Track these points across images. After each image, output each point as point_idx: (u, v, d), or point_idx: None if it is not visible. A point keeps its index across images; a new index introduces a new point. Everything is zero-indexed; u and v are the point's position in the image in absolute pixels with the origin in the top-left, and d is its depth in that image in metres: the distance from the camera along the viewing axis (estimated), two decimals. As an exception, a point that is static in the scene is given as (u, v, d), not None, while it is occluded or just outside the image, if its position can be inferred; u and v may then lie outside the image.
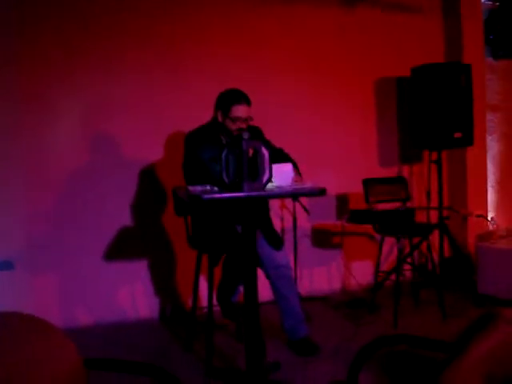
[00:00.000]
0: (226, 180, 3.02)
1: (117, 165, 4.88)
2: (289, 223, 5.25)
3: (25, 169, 4.60)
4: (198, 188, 3.14)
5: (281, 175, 3.21)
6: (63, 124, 4.76)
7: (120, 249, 4.89)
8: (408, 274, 5.51)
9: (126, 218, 4.92)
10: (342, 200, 5.69)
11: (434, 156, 5.41)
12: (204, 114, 4.00)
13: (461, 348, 1.55)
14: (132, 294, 4.98)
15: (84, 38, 4.75)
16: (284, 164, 3.34)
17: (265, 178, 3.01)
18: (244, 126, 3.74)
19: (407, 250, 5.25)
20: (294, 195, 3.61)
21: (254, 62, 5.25)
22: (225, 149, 3.05)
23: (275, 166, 3.09)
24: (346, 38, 5.71)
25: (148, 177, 4.97)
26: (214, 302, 3.98)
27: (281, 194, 3.42)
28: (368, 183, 5.09)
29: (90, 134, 4.82)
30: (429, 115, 5.31)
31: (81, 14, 4.73)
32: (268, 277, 3.90)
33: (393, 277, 4.96)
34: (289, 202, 5.19)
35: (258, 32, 5.32)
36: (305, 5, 5.49)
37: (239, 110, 3.72)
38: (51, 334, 1.83)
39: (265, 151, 3.01)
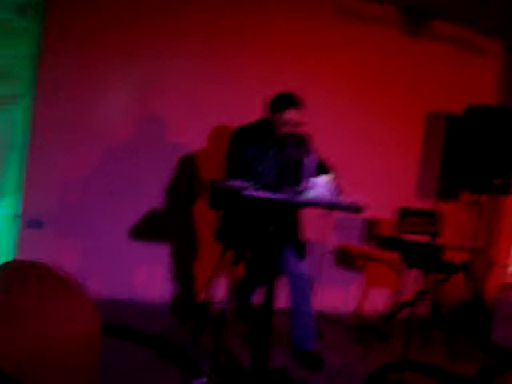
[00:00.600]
0: (266, 180, 3.04)
1: (160, 146, 4.93)
2: (314, 237, 5.23)
3: (69, 134, 4.66)
4: (239, 182, 3.15)
5: (319, 186, 3.21)
6: (114, 96, 4.81)
7: (145, 229, 4.92)
8: (422, 309, 5.46)
9: (158, 201, 4.95)
10: (372, 224, 5.66)
11: (472, 198, 5.37)
12: (254, 115, 4.02)
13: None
14: (148, 276, 5.00)
15: (148, 17, 4.81)
16: (325, 176, 3.34)
17: (303, 186, 3.03)
18: (294, 130, 3.74)
19: (427, 286, 5.21)
20: (331, 207, 3.60)
21: (307, 70, 5.27)
22: (272, 149, 3.06)
23: (316, 178, 3.10)
24: (405, 66, 5.71)
25: (187, 164, 5.00)
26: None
27: (318, 204, 3.42)
28: (403, 212, 5.07)
29: (139, 110, 4.87)
30: (476, 157, 5.27)
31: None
32: (289, 283, 3.90)
33: (408, 309, 4.92)
34: (319, 217, 5.18)
35: (319, 41, 5.34)
36: (369, 21, 5.50)
37: (292, 114, 3.72)
38: (77, 294, 1.86)
39: (312, 160, 3.03)
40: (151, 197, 4.93)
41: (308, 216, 5.05)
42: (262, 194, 2.99)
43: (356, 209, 3.08)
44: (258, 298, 4.21)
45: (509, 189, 5.29)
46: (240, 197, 3.32)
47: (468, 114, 5.46)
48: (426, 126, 5.88)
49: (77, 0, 4.62)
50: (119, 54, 4.76)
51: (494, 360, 1.65)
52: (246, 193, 2.93)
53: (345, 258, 5.64)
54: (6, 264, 1.85)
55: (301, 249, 3.93)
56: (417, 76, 5.75)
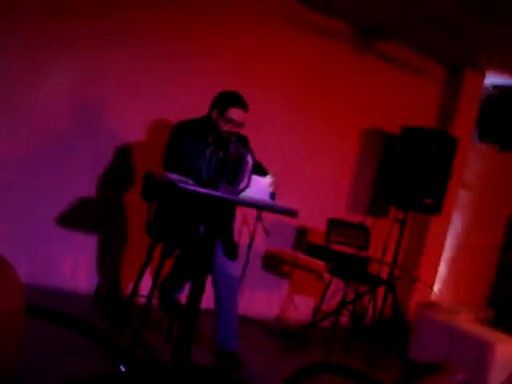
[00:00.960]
0: (204, 175, 3.02)
1: (96, 134, 4.82)
2: (244, 240, 5.23)
3: (7, 116, 4.52)
4: (176, 176, 3.12)
5: (257, 187, 3.21)
6: (54, 81, 4.68)
7: (74, 216, 4.81)
8: (344, 320, 5.54)
9: (89, 188, 4.85)
10: (301, 232, 5.72)
11: (400, 215, 5.48)
12: (196, 113, 3.99)
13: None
14: (74, 264, 4.89)
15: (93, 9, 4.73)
16: (263, 178, 3.34)
17: (242, 185, 3.02)
18: (235, 129, 3.74)
19: (350, 296, 5.29)
20: (266, 209, 3.60)
21: (254, 75, 5.27)
22: (211, 146, 3.05)
23: (254, 177, 3.09)
24: (349, 78, 5.81)
25: (124, 155, 4.93)
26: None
27: (254, 204, 3.41)
28: (332, 222, 5.14)
29: (78, 97, 4.76)
30: (406, 175, 5.40)
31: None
32: (214, 283, 3.88)
33: (330, 319, 4.99)
34: (251, 219, 5.19)
35: (267, 48, 5.37)
36: (319, 33, 5.57)
37: (235, 113, 3.72)
38: (2, 269, 1.79)
39: (250, 160, 3.02)
40: (82, 184, 4.82)
41: (240, 217, 5.08)
42: (199, 189, 2.96)
43: (292, 213, 3.09)
44: (183, 295, 4.18)
45: (439, 209, 5.43)
46: (175, 191, 3.28)
47: (404, 134, 5.59)
48: (363, 141, 5.99)
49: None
50: (59, 42, 4.63)
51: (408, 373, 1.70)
52: (183, 186, 2.89)
53: (273, 264, 5.67)
54: None
55: (233, 249, 3.92)
56: (359, 91, 5.86)
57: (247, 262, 5.11)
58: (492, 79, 6.30)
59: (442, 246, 6.28)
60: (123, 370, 1.62)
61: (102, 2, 4.73)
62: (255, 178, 3.11)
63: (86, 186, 4.84)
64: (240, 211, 4.80)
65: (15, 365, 1.68)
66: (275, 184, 3.48)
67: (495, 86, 6.46)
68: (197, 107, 3.99)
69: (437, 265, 6.28)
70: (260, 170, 3.78)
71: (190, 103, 4.55)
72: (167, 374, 3.31)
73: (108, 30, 4.77)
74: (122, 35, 4.81)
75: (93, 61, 4.75)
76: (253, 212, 4.97)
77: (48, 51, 4.60)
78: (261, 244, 5.43)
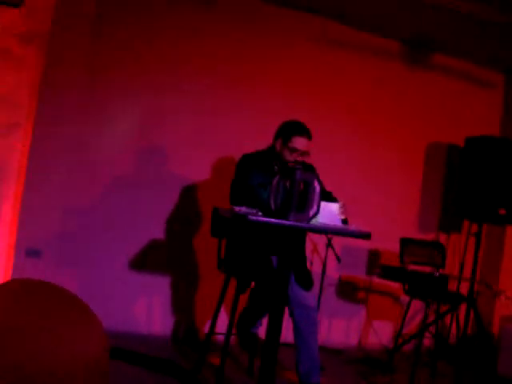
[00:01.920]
0: (273, 206, 2.98)
1: (161, 177, 4.89)
2: (317, 269, 5.15)
3: (70, 162, 4.60)
4: (244, 209, 3.09)
5: (327, 213, 3.15)
6: (116, 128, 4.79)
7: (146, 260, 4.86)
8: (427, 342, 5.37)
9: (158, 231, 4.89)
10: (374, 255, 5.61)
11: (474, 228, 5.31)
12: (256, 145, 3.98)
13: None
14: (149, 308, 4.91)
15: (148, 49, 4.81)
16: (332, 203, 3.30)
17: (312, 212, 2.97)
18: (300, 158, 3.71)
19: (431, 318, 5.13)
20: (339, 233, 3.54)
21: (313, 104, 5.26)
22: (277, 175, 3.01)
23: (323, 204, 3.05)
24: (406, 96, 5.73)
25: (188, 195, 4.96)
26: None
27: (326, 230, 3.36)
28: (405, 243, 5.02)
29: (141, 142, 4.85)
30: (477, 186, 5.24)
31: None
32: (292, 315, 3.80)
33: (412, 342, 4.84)
34: (321, 247, 5.11)
35: (320, 75, 5.36)
36: (367, 53, 5.52)
37: (299, 142, 3.70)
38: (85, 314, 1.78)
39: (317, 185, 2.98)
40: (151, 228, 4.87)
41: (310, 245, 5.02)
42: (269, 219, 2.92)
43: (365, 235, 3.02)
44: (262, 329, 4.11)
45: (513, 218, 5.25)
46: (245, 224, 3.25)
47: (468, 145, 5.44)
48: (427, 157, 5.87)
49: (80, 33, 4.59)
50: (122, 88, 4.74)
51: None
52: (252, 218, 2.86)
53: (347, 291, 5.57)
54: (3, 284, 1.77)
55: (307, 278, 3.85)
56: (417, 107, 5.77)
57: (321, 290, 5.02)
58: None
59: (520, 257, 6.06)
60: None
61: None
62: (324, 203, 3.07)
63: (154, 228, 4.88)
64: (310, 239, 4.75)
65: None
66: (345, 210, 3.43)
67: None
68: (258, 140, 3.99)
69: (517, 276, 6.04)
70: (330, 199, 3.73)
71: (252, 137, 4.56)
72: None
73: (164, 76, 4.85)
74: (179, 77, 4.89)
75: (151, 104, 4.82)
76: (323, 239, 4.89)
77: (107, 98, 4.70)
78: (333, 271, 5.35)
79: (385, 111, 5.64)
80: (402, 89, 5.71)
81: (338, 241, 4.87)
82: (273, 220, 2.93)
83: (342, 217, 3.33)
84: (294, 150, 3.72)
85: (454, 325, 5.15)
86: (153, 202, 4.85)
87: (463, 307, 5.16)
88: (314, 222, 3.01)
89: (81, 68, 4.58)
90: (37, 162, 4.43)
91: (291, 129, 3.77)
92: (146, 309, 4.91)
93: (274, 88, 5.19)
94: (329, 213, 3.17)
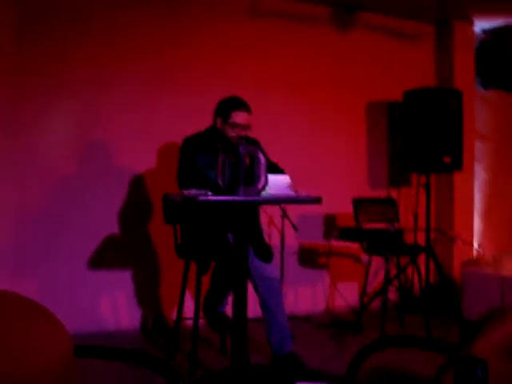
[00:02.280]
0: (221, 184, 2.98)
1: (106, 172, 4.84)
2: (276, 241, 5.19)
3: (14, 169, 4.52)
4: (193, 191, 3.08)
5: (276, 186, 3.17)
6: (56, 128, 4.70)
7: (104, 257, 4.81)
8: (392, 296, 5.48)
9: (112, 226, 4.85)
10: (330, 220, 5.67)
11: (423, 180, 5.40)
12: (199, 126, 3.96)
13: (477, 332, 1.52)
14: (114, 304, 4.88)
15: (78, 46, 4.72)
16: (280, 175, 3.31)
17: (260, 184, 2.97)
18: (243, 133, 3.72)
19: (393, 272, 5.22)
20: (290, 202, 3.57)
21: (248, 77, 5.25)
22: (221, 153, 3.01)
23: (271, 177, 3.06)
24: (340, 60, 5.77)
25: (137, 186, 4.92)
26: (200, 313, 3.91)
27: (276, 200, 3.38)
28: (358, 203, 5.08)
29: (81, 139, 4.77)
30: (419, 139, 5.33)
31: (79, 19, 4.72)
32: (256, 289, 3.82)
33: (378, 298, 4.93)
34: (277, 219, 5.14)
35: (254, 48, 5.34)
36: (298, 21, 5.53)
37: (239, 116, 3.70)
38: (43, 316, 1.76)
39: (262, 157, 2.98)
40: (105, 223, 4.82)
41: (265, 218, 5.04)
42: (218, 197, 2.93)
43: (316, 200, 3.05)
44: (229, 308, 4.13)
45: (460, 165, 5.35)
46: (196, 206, 3.24)
47: (407, 99, 5.52)
48: (369, 115, 5.94)
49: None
50: (52, 88, 4.65)
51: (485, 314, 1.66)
52: (202, 198, 2.86)
53: (308, 258, 5.63)
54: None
55: (266, 251, 3.87)
56: (354, 68, 5.81)
57: (282, 261, 5.07)
58: (481, 24, 6.22)
59: (471, 201, 6.20)
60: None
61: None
62: (272, 177, 3.08)
63: (109, 224, 4.83)
64: (265, 212, 4.77)
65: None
66: (293, 183, 3.44)
67: (486, 31, 6.37)
68: (199, 122, 3.97)
69: (471, 221, 6.19)
70: (277, 171, 3.74)
71: (192, 119, 4.55)
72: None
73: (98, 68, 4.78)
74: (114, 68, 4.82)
75: (87, 99, 4.76)
76: (278, 211, 4.91)
77: (44, 95, 4.62)
78: (292, 240, 5.38)
79: (322, 76, 5.66)
80: (337, 52, 5.74)
81: (292, 211, 4.90)
82: (222, 197, 2.93)
83: (291, 190, 3.35)
84: (235, 126, 3.71)
85: (415, 276, 5.25)
86: (102, 198, 4.80)
87: (422, 258, 5.27)
88: (264, 194, 3.02)
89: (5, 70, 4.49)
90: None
91: (229, 105, 3.76)
92: (111, 305, 4.88)
93: (209, 66, 5.16)
94: (278, 185, 3.19)
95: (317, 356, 4.17)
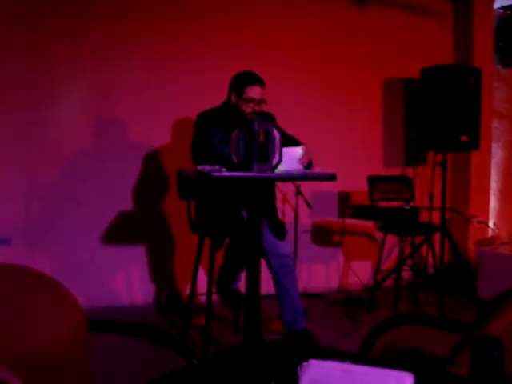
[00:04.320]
0: (235, 160, 2.96)
1: (120, 148, 4.84)
2: (290, 218, 5.18)
3: (27, 146, 4.53)
4: (207, 167, 3.07)
5: (290, 159, 3.15)
6: (68, 104, 4.70)
7: (118, 232, 4.83)
8: (406, 275, 5.46)
9: (126, 202, 4.86)
10: (344, 198, 5.64)
11: (439, 158, 5.35)
12: (213, 102, 3.94)
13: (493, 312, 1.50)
14: (127, 279, 4.91)
15: (92, 21, 4.69)
16: (293, 147, 3.29)
17: (275, 161, 2.95)
18: (258, 108, 3.69)
19: (407, 251, 5.21)
20: (304, 178, 3.55)
21: (263, 54, 5.20)
22: (236, 129, 2.99)
23: (285, 149, 3.03)
24: (356, 36, 5.69)
25: (152, 161, 4.92)
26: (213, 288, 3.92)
27: (291, 177, 3.35)
28: (373, 180, 5.05)
29: (95, 115, 4.77)
30: (436, 116, 5.26)
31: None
32: (270, 266, 3.82)
33: (392, 277, 4.91)
34: (291, 196, 5.12)
35: (268, 24, 5.29)
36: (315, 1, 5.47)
37: (253, 91, 3.68)
38: (56, 290, 1.76)
39: (276, 133, 2.95)
40: (119, 199, 4.83)
41: (279, 195, 5.02)
42: (232, 173, 2.91)
43: (330, 177, 3.03)
44: (242, 284, 4.13)
45: (477, 144, 5.30)
46: (211, 183, 3.22)
47: (424, 76, 5.45)
48: (385, 92, 5.87)
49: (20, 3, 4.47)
50: (67, 62, 4.63)
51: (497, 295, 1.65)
52: (216, 174, 2.85)
53: (322, 235, 5.62)
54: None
55: (280, 228, 3.86)
56: (370, 45, 5.73)
57: (296, 238, 5.06)
58: (501, 1, 6.11)
59: (487, 180, 6.14)
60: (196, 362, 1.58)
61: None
62: (285, 149, 3.05)
63: (122, 200, 4.84)
64: (279, 189, 4.75)
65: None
66: (308, 152, 3.41)
67: (506, 8, 6.26)
68: (212, 97, 3.95)
69: (487, 200, 6.13)
70: (293, 143, 3.71)
71: (206, 94, 4.52)
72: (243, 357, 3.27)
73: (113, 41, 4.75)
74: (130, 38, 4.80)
75: (101, 74, 4.74)
76: (292, 188, 4.89)
77: (54, 71, 4.60)
78: (306, 218, 5.37)
79: (339, 52, 5.60)
80: (353, 28, 5.67)
81: (306, 188, 4.88)
82: (236, 173, 2.92)
83: (306, 160, 3.33)
84: (249, 101, 3.69)
85: (430, 255, 5.22)
86: (117, 173, 4.81)
87: (437, 237, 5.24)
88: (278, 170, 3.00)
89: (19, 44, 4.47)
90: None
91: (243, 80, 3.74)
92: (125, 280, 4.90)
93: (224, 42, 5.11)
94: (291, 159, 3.16)
95: (330, 333, 4.17)
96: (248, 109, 3.70)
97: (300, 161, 3.23)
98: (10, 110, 4.46)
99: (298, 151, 3.23)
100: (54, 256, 4.62)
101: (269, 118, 3.82)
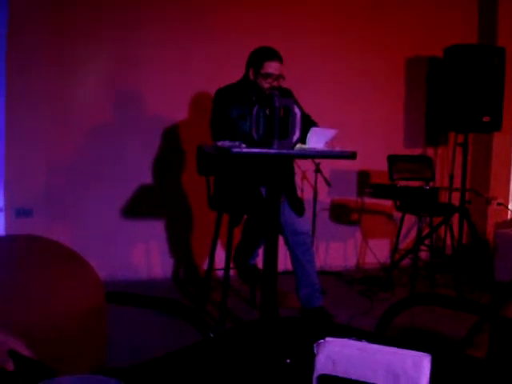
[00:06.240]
0: (256, 136, 2.95)
1: (141, 121, 4.84)
2: (308, 195, 5.17)
3: (46, 118, 4.55)
4: (227, 143, 3.07)
5: (319, 138, 3.14)
6: (88, 76, 4.71)
7: (137, 206, 4.86)
8: (423, 255, 5.44)
9: (145, 176, 4.88)
10: (364, 176, 5.62)
11: (460, 139, 5.30)
12: (231, 77, 3.92)
13: None
14: (146, 253, 4.94)
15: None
16: (329, 129, 3.26)
17: (295, 138, 2.94)
18: (276, 83, 3.68)
19: (425, 231, 5.19)
20: (324, 156, 3.54)
21: (286, 32, 5.14)
22: (256, 105, 2.98)
23: (319, 129, 3.03)
24: (379, 13, 5.61)
25: (171, 135, 4.93)
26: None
27: (311, 155, 3.34)
28: (393, 160, 5.02)
29: (115, 88, 4.77)
30: (459, 96, 5.20)
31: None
32: (287, 243, 3.83)
33: (409, 256, 4.91)
34: (310, 174, 5.10)
35: (291, 1, 5.24)
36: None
37: (271, 67, 3.66)
38: (75, 261, 1.79)
39: (297, 110, 2.94)
40: (139, 174, 4.85)
41: (299, 173, 5.01)
42: (252, 150, 2.91)
43: (350, 155, 3.02)
44: (260, 260, 4.15)
45: (499, 125, 5.23)
46: (229, 157, 3.22)
47: (448, 55, 5.37)
48: (408, 71, 5.80)
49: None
50: (86, 32, 4.62)
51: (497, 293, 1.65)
52: (236, 150, 2.84)
53: (340, 214, 5.61)
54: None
55: (299, 205, 3.86)
56: (393, 23, 5.65)
57: (314, 216, 5.05)
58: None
59: (509, 162, 6.06)
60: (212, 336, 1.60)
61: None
62: (319, 128, 3.04)
63: (143, 174, 4.86)
64: (298, 167, 4.74)
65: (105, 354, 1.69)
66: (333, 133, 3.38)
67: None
68: (232, 72, 3.94)
69: (507, 182, 6.07)
70: (309, 123, 3.70)
71: (225, 68, 4.51)
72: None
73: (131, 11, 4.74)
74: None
75: (119, 46, 4.74)
76: (311, 166, 4.88)
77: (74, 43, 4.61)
78: (325, 196, 5.37)
79: (361, 31, 5.53)
80: (378, 6, 5.60)
81: (326, 166, 4.87)
82: (256, 150, 2.91)
83: (332, 145, 3.31)
84: (267, 76, 3.67)
85: (448, 236, 5.19)
86: (137, 147, 4.82)
87: (456, 218, 5.20)
88: (298, 147, 2.99)
89: (45, 19, 4.48)
90: (14, 126, 4.40)
91: (261, 55, 3.72)
92: (143, 255, 4.94)
93: (246, 16, 5.08)
94: (321, 138, 3.15)
95: (346, 311, 4.18)
96: (266, 84, 3.68)
97: (328, 143, 3.22)
98: (34, 83, 4.48)
99: (331, 133, 3.21)
100: (74, 229, 4.66)
101: (287, 93, 3.79)
